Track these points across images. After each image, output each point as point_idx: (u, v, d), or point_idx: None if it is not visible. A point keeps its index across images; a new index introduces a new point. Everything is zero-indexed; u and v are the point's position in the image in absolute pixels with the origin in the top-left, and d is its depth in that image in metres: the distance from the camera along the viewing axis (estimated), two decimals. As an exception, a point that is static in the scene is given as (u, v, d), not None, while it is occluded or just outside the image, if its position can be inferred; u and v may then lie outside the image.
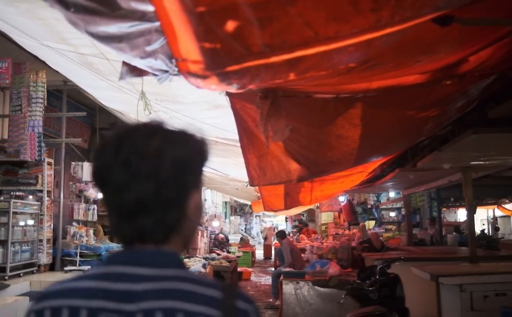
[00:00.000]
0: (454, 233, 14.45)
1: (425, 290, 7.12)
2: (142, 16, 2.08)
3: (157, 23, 2.08)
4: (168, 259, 1.22)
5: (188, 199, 1.24)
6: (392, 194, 17.45)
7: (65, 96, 10.51)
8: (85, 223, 11.38)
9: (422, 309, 7.24)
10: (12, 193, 9.07)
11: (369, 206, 20.83)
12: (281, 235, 13.80)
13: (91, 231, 11.38)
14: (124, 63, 2.74)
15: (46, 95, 8.54)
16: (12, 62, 7.15)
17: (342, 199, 17.54)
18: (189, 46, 2.14)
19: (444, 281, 6.12)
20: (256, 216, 41.18)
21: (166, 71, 2.43)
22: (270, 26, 2.17)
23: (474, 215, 8.71)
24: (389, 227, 19.80)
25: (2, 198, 8.26)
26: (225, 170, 12.50)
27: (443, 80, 4.03)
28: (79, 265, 10.39)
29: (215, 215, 23.64)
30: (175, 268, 1.21)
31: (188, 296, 1.15)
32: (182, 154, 1.24)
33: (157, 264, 1.19)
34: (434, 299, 6.61)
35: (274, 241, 24.30)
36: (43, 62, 6.40)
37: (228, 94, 4.43)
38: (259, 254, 28.21)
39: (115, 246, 11.57)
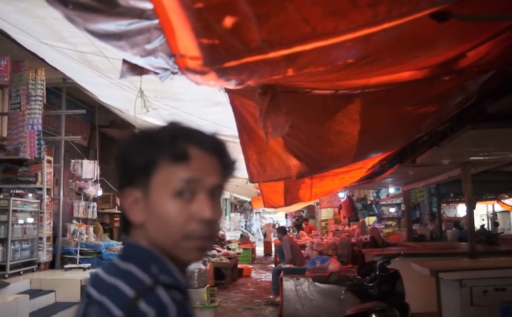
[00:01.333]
0: (454, 229, 14.47)
1: (425, 286, 7.14)
2: (141, 14, 2.08)
3: (156, 21, 2.08)
4: (125, 250, 1.31)
5: (122, 194, 1.30)
6: (391, 190, 17.47)
7: (64, 94, 10.50)
8: (85, 221, 11.40)
9: (422, 305, 7.27)
10: (11, 191, 9.08)
11: (369, 202, 20.84)
12: (281, 231, 13.84)
13: (91, 229, 11.39)
14: (125, 61, 2.75)
15: (45, 93, 8.55)
16: (11, 60, 7.14)
17: (342, 195, 17.57)
18: (187, 43, 2.14)
19: (444, 276, 6.13)
20: (256, 212, 41.22)
21: (167, 69, 2.44)
22: (268, 22, 2.18)
23: (474, 210, 8.72)
24: (389, 222, 19.82)
25: (1, 196, 8.27)
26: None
27: (441, 76, 4.03)
28: (79, 263, 10.40)
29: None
30: (123, 259, 1.27)
31: (107, 290, 1.19)
32: (120, 150, 1.33)
33: (119, 254, 1.31)
34: (434, 294, 6.63)
35: (274, 238, 24.33)
36: (42, 60, 6.40)
37: (227, 90, 4.44)
38: (259, 250, 28.25)
39: (115, 243, 11.59)
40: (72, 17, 2.24)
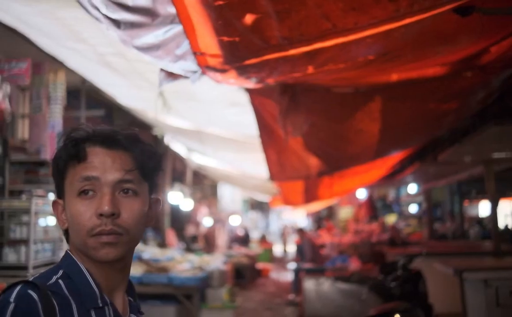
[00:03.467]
0: (477, 227, 14.28)
1: (448, 286, 7.04)
2: (173, 19, 2.12)
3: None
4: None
5: (53, 205, 1.38)
6: (412, 188, 17.31)
7: (84, 95, 10.56)
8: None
9: (446, 305, 7.16)
10: (33, 192, 9.15)
11: (389, 201, 20.67)
12: (301, 231, 13.81)
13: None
14: (162, 70, 2.79)
15: (65, 95, 8.60)
16: (32, 62, 7.19)
17: (362, 194, 17.44)
18: (208, 40, 2.13)
19: (468, 276, 6.03)
20: (275, 212, 41.13)
21: (196, 71, 2.47)
22: (288, 19, 2.16)
23: (497, 208, 8.59)
24: (410, 221, 19.64)
25: (23, 198, 8.33)
26: (244, 166, 12.50)
27: (463, 72, 3.97)
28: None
29: (234, 211, 23.66)
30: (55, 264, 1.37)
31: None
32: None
33: None
34: (458, 294, 6.54)
35: (293, 239, 24.28)
36: (62, 62, 6.43)
37: (247, 90, 4.42)
38: (278, 250, 28.19)
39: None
40: (124, 37, 2.30)
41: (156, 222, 14.13)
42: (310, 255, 12.39)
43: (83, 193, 1.29)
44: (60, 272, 1.31)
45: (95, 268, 1.32)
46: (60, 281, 1.29)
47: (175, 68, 2.50)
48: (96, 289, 1.30)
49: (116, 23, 2.24)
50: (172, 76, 2.73)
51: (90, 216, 1.26)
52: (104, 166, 1.30)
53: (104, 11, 2.28)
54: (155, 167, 1.42)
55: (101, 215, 1.26)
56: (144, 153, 1.37)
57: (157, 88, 3.41)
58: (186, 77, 2.57)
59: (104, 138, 1.33)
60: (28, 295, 1.19)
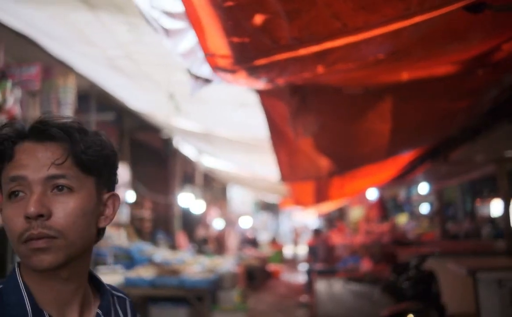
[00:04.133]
0: (489, 227, 14.18)
1: (461, 286, 6.99)
2: None
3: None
4: None
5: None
6: (423, 188, 17.22)
7: (93, 99, 10.60)
8: (117, 224, 11.47)
9: (459, 305, 7.10)
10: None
11: (400, 201, 20.58)
12: (317, 232, 13.76)
13: (123, 232, 11.46)
14: (191, 75, 2.79)
15: (75, 99, 8.63)
16: (41, 67, 7.23)
17: (373, 194, 17.38)
18: (218, 41, 2.13)
19: (482, 276, 5.98)
20: (285, 213, 41.09)
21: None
22: (298, 19, 2.15)
23: (510, 207, 8.52)
24: (421, 221, 19.55)
25: (35, 202, 8.40)
26: (254, 168, 12.50)
27: (475, 70, 3.94)
28: (111, 266, 10.48)
29: (244, 213, 23.68)
30: None
31: None
32: None
33: None
34: (471, 294, 6.48)
35: (304, 240, 24.23)
36: (71, 67, 6.47)
37: (257, 92, 4.41)
38: (289, 252, 28.17)
39: (147, 246, 11.65)
40: (172, 45, 2.35)
41: (167, 225, 14.20)
42: (324, 256, 12.35)
43: (12, 194, 1.15)
44: (2, 284, 1.20)
45: (37, 280, 1.18)
46: None
47: (201, 72, 2.51)
48: (28, 309, 1.15)
49: (167, 32, 2.26)
50: (203, 81, 2.73)
51: (18, 221, 1.12)
52: (32, 162, 1.15)
53: (159, 21, 2.29)
54: (103, 159, 1.24)
55: (28, 217, 1.10)
56: (84, 143, 1.19)
57: (191, 94, 3.39)
58: (209, 81, 2.58)
59: (33, 132, 1.18)
60: None
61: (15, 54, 6.81)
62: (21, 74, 7.03)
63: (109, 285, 1.41)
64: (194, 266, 9.60)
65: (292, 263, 24.34)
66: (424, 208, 21.10)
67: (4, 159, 1.17)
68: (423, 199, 19.98)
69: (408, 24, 2.39)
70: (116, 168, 1.32)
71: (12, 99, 6.59)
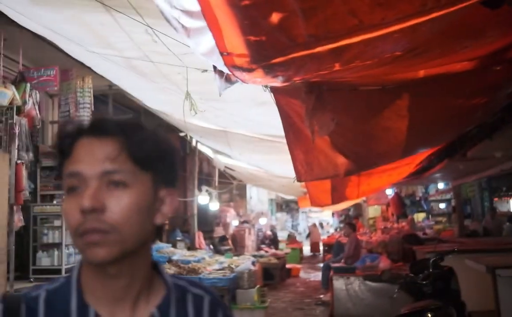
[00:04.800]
0: (508, 223, 14.04)
1: (480, 283, 6.94)
2: None
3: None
4: None
5: None
6: (441, 185, 17.11)
7: (111, 100, 10.69)
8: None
9: (479, 303, 7.05)
10: (64, 197, 9.27)
11: (417, 198, 20.47)
12: (351, 227, 13.49)
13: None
14: (218, 73, 2.81)
15: (93, 100, 8.71)
16: (59, 69, 7.31)
17: (390, 191, 17.31)
18: (234, 40, 2.14)
19: (501, 273, 5.94)
20: (302, 212, 41.08)
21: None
22: (314, 16, 2.15)
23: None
24: (439, 219, 19.44)
25: (55, 202, 8.47)
26: (270, 166, 12.50)
27: (492, 66, 3.91)
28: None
29: (262, 212, 23.69)
30: None
31: None
32: None
33: None
34: (490, 292, 6.43)
35: (323, 237, 24.19)
36: (89, 68, 6.53)
37: (273, 90, 4.41)
38: (306, 250, 28.14)
39: (165, 246, 11.72)
40: (193, 45, 2.35)
41: (185, 224, 14.26)
42: (353, 252, 12.24)
43: (71, 189, 1.18)
44: (59, 281, 1.27)
45: (91, 275, 1.21)
46: (43, 293, 1.24)
47: (226, 69, 2.52)
48: (73, 303, 1.20)
49: (187, 31, 2.27)
50: (228, 80, 2.75)
51: (75, 214, 1.14)
52: (88, 157, 1.17)
53: (180, 20, 2.30)
54: (159, 155, 1.23)
55: (83, 211, 1.12)
56: (141, 139, 1.20)
57: (219, 93, 3.41)
58: (230, 81, 2.59)
59: (91, 128, 1.20)
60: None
61: (34, 57, 6.89)
62: (39, 77, 7.12)
63: (189, 280, 1.41)
64: (212, 265, 9.65)
65: (311, 261, 24.30)
66: (442, 205, 20.96)
67: (64, 155, 1.20)
68: (441, 196, 19.86)
69: (425, 20, 2.38)
70: (174, 165, 1.31)
71: (31, 101, 6.67)
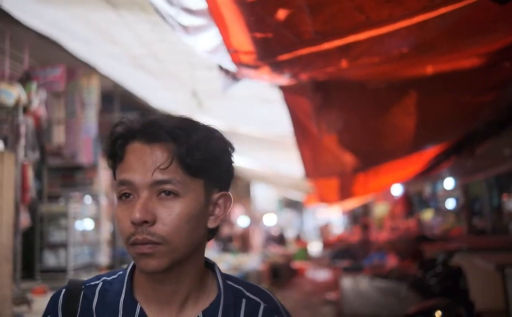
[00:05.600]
0: (516, 222, 13.94)
1: (490, 281, 6.90)
2: None
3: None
4: None
5: None
6: (449, 183, 17.03)
7: (117, 99, 10.68)
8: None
9: (488, 301, 7.00)
10: (69, 197, 9.30)
11: (425, 196, 20.37)
12: (365, 227, 13.50)
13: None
14: (222, 71, 2.80)
15: (99, 99, 8.71)
16: (65, 69, 7.31)
17: (397, 190, 17.25)
18: (241, 38, 2.13)
19: (510, 271, 5.90)
20: (309, 211, 41.00)
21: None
22: (321, 13, 2.13)
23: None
24: (447, 217, 19.33)
25: (61, 202, 8.49)
26: (277, 165, 12.48)
27: (500, 62, 3.87)
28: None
29: (268, 211, 23.68)
30: None
31: None
32: None
33: None
34: (500, 290, 6.39)
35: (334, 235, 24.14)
36: (95, 67, 6.54)
37: (280, 88, 4.40)
38: (314, 249, 28.10)
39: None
40: (192, 43, 2.35)
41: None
42: (366, 251, 12.21)
43: (124, 195, 1.16)
44: (117, 273, 1.31)
45: (144, 275, 1.22)
46: (101, 283, 1.28)
47: (232, 67, 2.51)
48: (122, 298, 1.23)
49: (186, 29, 2.26)
50: (234, 77, 2.74)
51: (126, 223, 1.13)
52: (139, 166, 1.14)
53: (177, 18, 2.30)
54: (212, 160, 1.19)
55: (132, 222, 1.11)
56: (191, 145, 1.15)
57: (223, 91, 3.39)
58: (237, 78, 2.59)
59: (143, 131, 1.16)
60: (57, 293, 1.26)
61: (40, 56, 6.89)
62: (45, 76, 7.12)
63: (248, 284, 1.38)
64: (219, 264, 9.63)
65: (318, 260, 24.26)
66: (450, 203, 20.87)
67: (116, 159, 1.19)
68: (449, 194, 19.75)
69: (433, 16, 2.36)
70: (228, 166, 1.27)
71: (37, 100, 6.67)
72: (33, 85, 6.54)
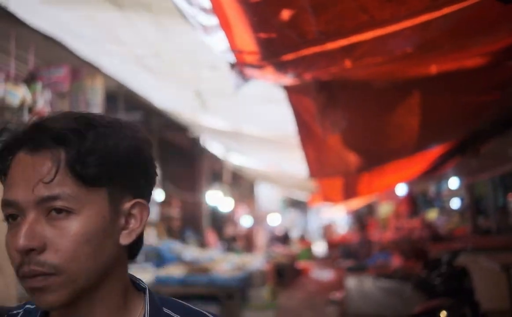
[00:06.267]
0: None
1: (494, 282, 6.88)
2: None
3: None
4: None
5: None
6: (453, 183, 17.00)
7: (121, 99, 10.71)
8: (147, 223, 11.55)
9: (493, 301, 6.98)
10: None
11: (430, 196, 20.33)
12: (362, 226, 13.54)
13: (153, 230, 11.55)
14: (234, 70, 2.81)
15: (103, 100, 8.73)
16: (70, 69, 7.33)
17: (402, 189, 17.23)
18: (245, 38, 2.14)
19: (516, 271, 5.90)
20: (313, 210, 40.94)
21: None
22: (324, 13, 2.14)
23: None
24: (452, 216, 19.28)
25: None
26: (281, 165, 12.48)
27: (504, 61, 3.87)
28: (142, 264, 10.57)
29: (272, 211, 23.69)
30: None
31: None
32: None
33: None
34: (505, 290, 6.38)
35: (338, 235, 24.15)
36: (99, 68, 6.55)
37: (284, 88, 4.41)
38: (318, 249, 28.09)
39: (176, 245, 11.74)
40: (212, 43, 2.36)
41: (195, 223, 14.28)
42: (367, 251, 12.22)
43: (10, 217, 0.94)
44: None
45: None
46: (22, 311, 1.10)
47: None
48: None
49: (205, 28, 2.28)
50: (245, 77, 2.74)
51: (12, 252, 0.92)
52: (23, 180, 0.92)
53: (197, 18, 2.29)
54: (116, 162, 0.96)
55: (16, 252, 0.91)
56: (82, 149, 0.92)
57: (235, 91, 3.37)
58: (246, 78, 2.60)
59: (26, 139, 0.94)
60: None
61: (44, 56, 6.91)
62: (50, 76, 7.14)
63: (191, 311, 1.17)
64: (223, 264, 9.65)
65: (322, 260, 24.25)
66: (455, 203, 20.81)
67: (1, 174, 0.99)
68: (454, 193, 19.68)
69: (436, 16, 2.36)
70: (144, 167, 1.05)
71: (42, 101, 6.69)
72: (38, 86, 6.57)
